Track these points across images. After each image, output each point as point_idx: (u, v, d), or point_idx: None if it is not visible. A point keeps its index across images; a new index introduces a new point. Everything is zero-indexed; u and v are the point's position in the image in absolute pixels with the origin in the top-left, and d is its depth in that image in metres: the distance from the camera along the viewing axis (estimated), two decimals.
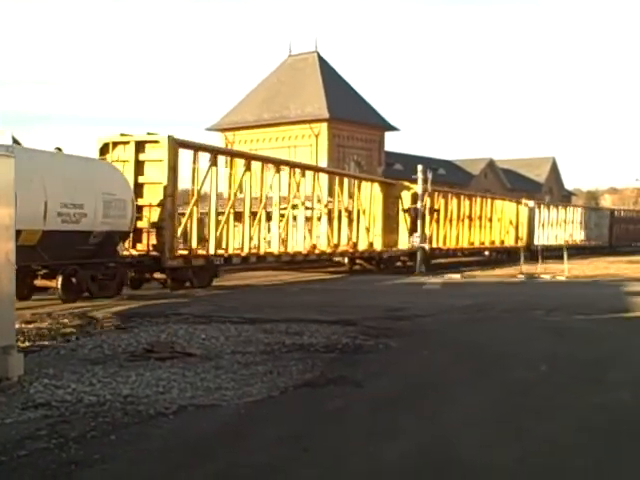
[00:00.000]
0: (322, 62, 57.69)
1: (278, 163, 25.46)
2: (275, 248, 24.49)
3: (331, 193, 29.13)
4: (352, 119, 54.88)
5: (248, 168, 22.64)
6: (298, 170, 26.14)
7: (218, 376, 8.25)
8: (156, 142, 19.00)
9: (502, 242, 41.62)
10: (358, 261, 30.68)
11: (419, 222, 30.88)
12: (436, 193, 34.23)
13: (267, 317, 13.28)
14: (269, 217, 24.83)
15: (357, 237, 29.79)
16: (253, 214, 22.84)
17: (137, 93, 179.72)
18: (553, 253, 38.39)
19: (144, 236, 18.80)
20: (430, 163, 43.42)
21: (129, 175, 18.71)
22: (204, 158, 20.77)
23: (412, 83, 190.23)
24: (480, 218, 38.80)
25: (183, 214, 20.79)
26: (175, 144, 19.06)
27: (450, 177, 62.63)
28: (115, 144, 19.37)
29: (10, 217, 8.07)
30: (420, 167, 31.39)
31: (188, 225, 20.41)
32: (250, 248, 22.52)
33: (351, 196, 29.41)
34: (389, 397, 7.56)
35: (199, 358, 9.31)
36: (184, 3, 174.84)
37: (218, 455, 5.60)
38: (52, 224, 14.98)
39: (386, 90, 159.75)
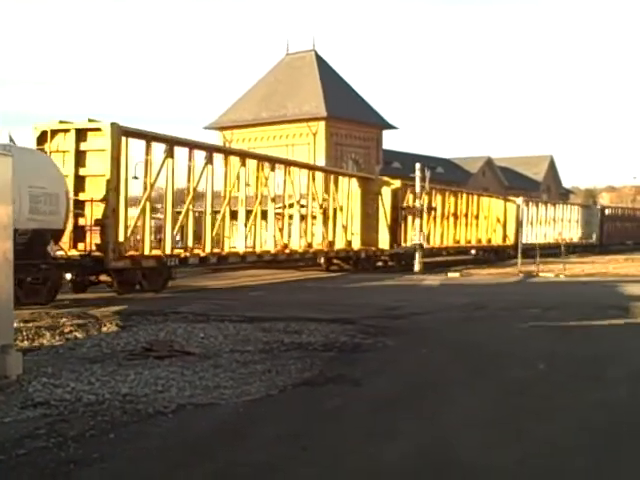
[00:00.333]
0: (320, 60, 57.67)
1: (244, 155, 23.99)
2: (241, 248, 23.00)
3: (305, 189, 27.24)
4: (350, 117, 54.87)
5: (210, 161, 20.95)
6: (267, 164, 24.52)
7: (217, 375, 8.25)
8: (98, 130, 17.25)
9: (489, 240, 40.43)
10: (335, 261, 29.29)
11: (417, 221, 30.60)
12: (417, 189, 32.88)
13: (266, 315, 13.28)
14: (234, 215, 23.12)
15: (333, 236, 28.52)
16: (216, 212, 21.56)
17: (135, 92, 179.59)
18: (542, 252, 37.90)
19: (87, 234, 17.02)
20: (428, 161, 43.48)
21: (69, 167, 17.18)
22: (159, 149, 19.11)
23: (410, 81, 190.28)
24: (466, 216, 37.44)
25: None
26: (119, 132, 17.35)
27: (448, 175, 62.68)
28: (54, 132, 17.59)
29: (8, 216, 8.10)
30: (418, 165, 31.16)
31: (139, 222, 18.88)
32: (212, 248, 21.09)
33: (327, 192, 28.14)
34: (388, 396, 7.56)
35: (198, 357, 9.31)
36: (182, 2, 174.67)
37: (217, 454, 5.61)
38: None
39: (384, 88, 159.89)
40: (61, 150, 17.45)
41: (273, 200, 24.41)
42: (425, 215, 31.84)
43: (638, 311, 14.74)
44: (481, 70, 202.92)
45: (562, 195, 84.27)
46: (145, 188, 18.72)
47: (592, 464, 5.46)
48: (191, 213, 20.48)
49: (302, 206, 26.31)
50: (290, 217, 25.91)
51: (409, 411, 6.97)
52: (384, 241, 30.32)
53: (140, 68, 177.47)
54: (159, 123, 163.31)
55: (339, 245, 28.72)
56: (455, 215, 36.18)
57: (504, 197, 43.90)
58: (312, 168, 28.75)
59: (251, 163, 23.78)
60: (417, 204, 30.72)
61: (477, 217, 38.67)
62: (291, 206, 25.94)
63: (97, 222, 16.92)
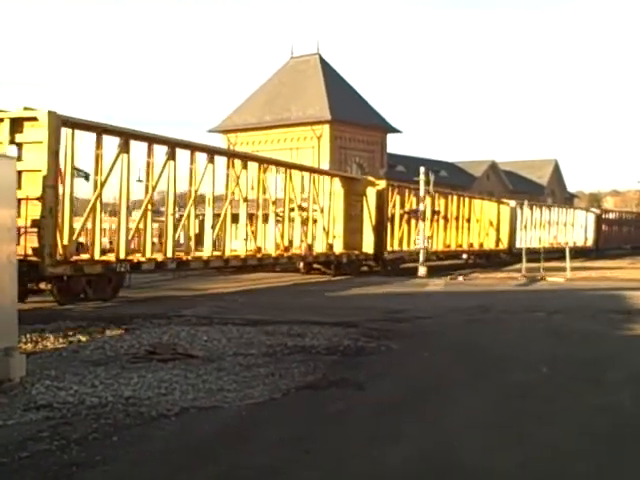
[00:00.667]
0: (324, 64, 57.73)
1: (212, 152, 21.69)
2: (208, 252, 21.22)
3: (282, 189, 25.91)
4: (354, 121, 54.89)
5: (172, 157, 19.16)
6: (239, 161, 22.69)
7: (220, 378, 8.24)
8: (35, 119, 15.47)
9: (481, 245, 38.80)
10: (315, 266, 27.58)
11: (421, 224, 30.27)
12: (407, 191, 31.96)
13: (269, 319, 13.28)
14: (201, 216, 21.93)
15: (313, 239, 26.83)
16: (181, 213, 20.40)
17: (139, 95, 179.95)
18: (536, 256, 35.61)
19: (22, 237, 14.67)
20: (432, 165, 43.40)
21: None
22: (113, 144, 17.45)
23: (414, 85, 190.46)
24: (457, 219, 35.84)
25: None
26: (59, 122, 15.63)
27: (452, 179, 62.61)
28: None
29: (12, 218, 8.13)
30: (422, 169, 30.69)
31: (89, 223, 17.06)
32: (174, 252, 19.48)
33: (307, 192, 26.65)
34: (391, 400, 7.55)
35: (201, 360, 9.31)
36: (186, 5, 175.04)
37: (220, 457, 5.60)
38: None
39: (388, 92, 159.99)
40: None
41: (245, 200, 22.90)
42: (413, 219, 30.82)
43: None
44: (486, 74, 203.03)
45: (566, 199, 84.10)
46: (95, 187, 16.89)
47: (594, 467, 5.44)
48: (150, 215, 18.83)
49: (278, 207, 24.86)
50: (265, 219, 24.49)
51: (412, 414, 6.96)
52: (368, 244, 28.91)
53: (144, 72, 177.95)
54: (163, 126, 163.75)
55: (319, 249, 27.11)
56: (445, 218, 34.71)
57: (497, 200, 42.53)
58: (289, 166, 26.95)
59: (220, 160, 21.90)
60: (421, 207, 30.45)
61: (469, 220, 37.14)
62: (285, 206, 24.72)
63: (34, 223, 15.08)
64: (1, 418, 6.45)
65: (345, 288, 22.41)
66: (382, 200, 29.38)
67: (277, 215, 25.00)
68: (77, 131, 16.42)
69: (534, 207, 44.34)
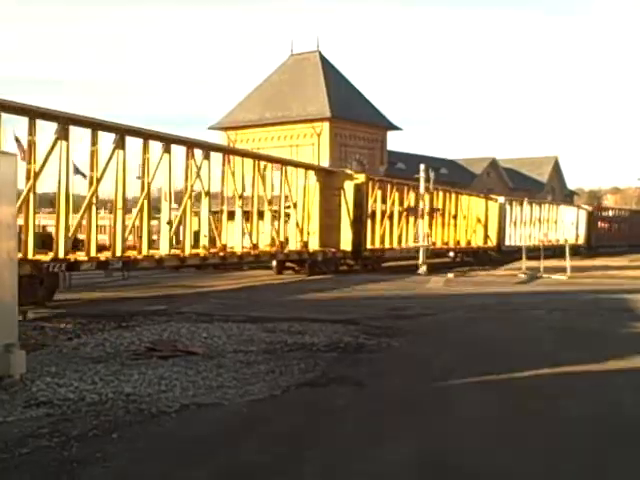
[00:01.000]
0: (324, 61, 57.73)
1: (169, 142, 19.54)
2: (165, 250, 19.56)
3: (250, 182, 23.83)
4: (354, 118, 54.92)
5: (120, 146, 17.42)
6: (199, 151, 20.83)
7: (220, 375, 8.25)
8: None
9: (469, 242, 37.20)
10: (289, 264, 26.01)
11: (420, 221, 30.12)
12: (389, 185, 30.71)
13: (269, 316, 13.29)
14: (157, 210, 20.57)
15: (285, 236, 25.35)
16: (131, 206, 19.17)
17: (139, 92, 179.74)
18: (527, 254, 34.71)
19: None
20: (433, 162, 43.31)
21: None
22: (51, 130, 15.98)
23: (415, 82, 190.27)
24: (443, 215, 34.57)
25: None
26: None
27: (452, 176, 62.66)
28: None
29: (12, 215, 8.13)
30: (422, 166, 30.57)
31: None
32: (123, 250, 17.97)
33: (279, 186, 24.96)
34: (391, 397, 7.55)
35: (201, 357, 9.31)
36: (187, 2, 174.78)
37: (220, 454, 5.60)
38: None
39: (388, 89, 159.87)
40: None
41: (207, 195, 21.19)
42: (396, 215, 29.99)
43: None
44: (486, 71, 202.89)
45: (566, 197, 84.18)
46: (28, 178, 15.29)
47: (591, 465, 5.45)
48: (95, 211, 17.51)
49: (246, 202, 23.28)
50: (232, 215, 23.24)
51: (413, 413, 6.95)
52: (346, 242, 27.32)
53: (144, 68, 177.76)
54: (162, 123, 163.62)
55: (293, 246, 25.54)
56: (431, 215, 33.13)
57: (485, 195, 41.23)
58: (257, 157, 24.88)
59: (178, 150, 19.94)
60: (420, 205, 30.32)
61: (455, 217, 35.71)
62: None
63: None
64: (1, 414, 6.45)
65: (346, 283, 22.38)
66: (361, 195, 27.89)
67: (244, 211, 23.16)
68: (4, 114, 14.86)
69: (524, 203, 42.97)
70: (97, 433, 5.94)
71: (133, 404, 6.87)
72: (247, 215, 23.49)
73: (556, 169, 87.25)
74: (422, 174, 30.43)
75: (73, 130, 16.59)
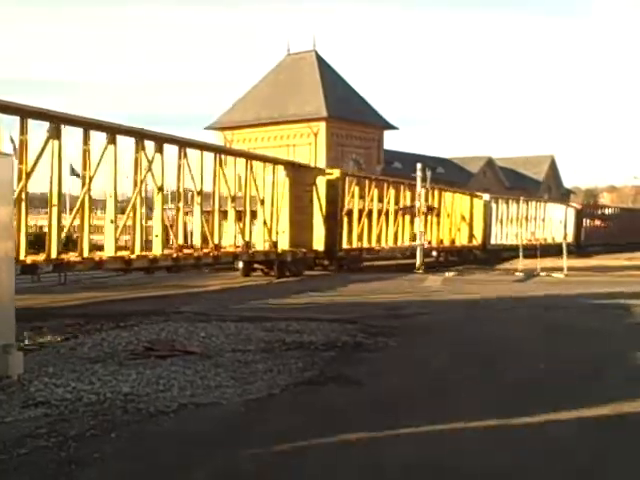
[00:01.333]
0: (320, 61, 57.80)
1: (114, 132, 17.42)
2: (110, 252, 17.70)
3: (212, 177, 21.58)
4: (351, 118, 55.00)
5: (55, 136, 15.95)
6: (151, 143, 18.80)
7: (218, 374, 8.24)
8: None
9: (452, 241, 35.85)
10: (257, 266, 24.13)
11: (416, 220, 29.87)
12: (367, 181, 29.57)
13: (267, 315, 13.28)
14: (94, 206, 18.89)
15: (251, 235, 23.57)
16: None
17: (134, 93, 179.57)
18: (513, 253, 34.54)
19: None
20: (429, 161, 43.39)
21: None
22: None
23: (411, 81, 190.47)
24: (426, 213, 32.03)
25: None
26: None
27: (449, 175, 62.80)
28: None
29: (8, 216, 8.12)
30: (419, 165, 30.26)
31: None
32: (58, 252, 16.30)
33: (244, 181, 23.10)
34: (389, 396, 7.54)
35: (199, 356, 9.30)
36: (183, 2, 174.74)
37: (218, 453, 5.59)
38: None
39: (385, 89, 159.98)
40: None
41: (161, 190, 19.26)
42: (375, 213, 28.69)
43: None
44: (482, 70, 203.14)
45: (563, 195, 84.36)
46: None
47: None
48: (56, 212, 16.33)
49: (205, 198, 21.39)
50: (187, 212, 21.67)
51: (411, 411, 6.95)
52: (319, 241, 25.65)
53: (140, 69, 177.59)
54: (159, 124, 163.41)
55: (260, 246, 23.70)
56: (413, 212, 31.54)
57: (470, 192, 39.97)
58: (219, 151, 22.60)
59: (124, 141, 18.17)
60: (417, 204, 30.11)
61: (439, 215, 34.36)
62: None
63: None
64: None
65: (340, 282, 22.34)
66: (335, 191, 26.25)
67: (203, 208, 21.30)
68: None
69: (510, 201, 42.03)
70: (95, 433, 5.92)
71: (131, 404, 6.85)
72: (208, 214, 21.74)
73: (552, 168, 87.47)
74: (419, 173, 30.24)
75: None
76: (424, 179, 30.59)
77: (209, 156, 21.47)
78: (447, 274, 26.82)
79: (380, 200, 29.78)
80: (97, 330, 11.36)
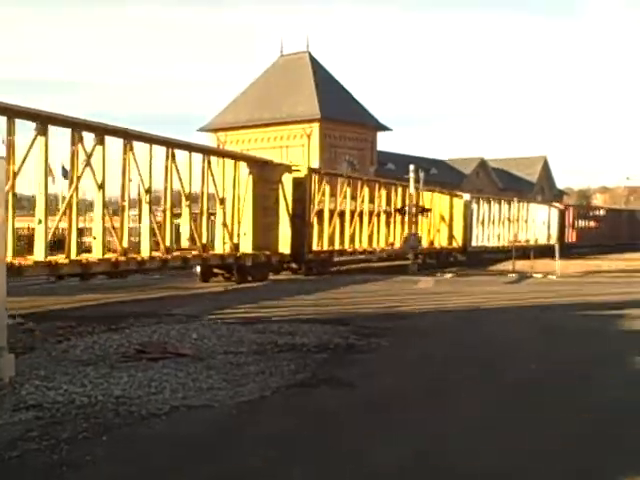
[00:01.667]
0: (314, 62, 57.84)
1: (46, 121, 15.79)
2: (40, 256, 15.73)
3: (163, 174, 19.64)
4: (344, 119, 55.02)
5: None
6: (90, 134, 17.01)
7: (210, 376, 8.22)
8: None
9: (431, 243, 34.62)
10: (217, 271, 22.22)
11: (410, 220, 29.92)
12: (339, 180, 28.14)
13: (259, 317, 13.27)
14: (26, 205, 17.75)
15: (209, 237, 21.80)
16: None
17: (128, 93, 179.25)
18: (495, 256, 34.30)
19: None
20: (422, 163, 43.39)
21: None
22: None
23: (404, 83, 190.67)
24: (402, 213, 31.44)
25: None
26: None
27: (442, 177, 62.84)
28: None
29: (1, 218, 8.09)
30: (412, 167, 30.27)
31: None
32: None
33: (202, 180, 21.14)
34: (382, 398, 7.55)
35: (191, 358, 9.28)
36: (175, 2, 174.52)
37: (210, 456, 5.59)
38: None
39: (378, 90, 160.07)
40: None
41: (101, 188, 17.30)
42: (348, 213, 27.50)
43: None
44: (474, 71, 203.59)
45: (555, 196, 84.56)
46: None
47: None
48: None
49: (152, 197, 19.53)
50: (136, 213, 20.25)
51: (403, 413, 6.96)
52: (285, 243, 23.89)
53: (133, 70, 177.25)
54: (152, 124, 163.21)
55: (219, 249, 21.90)
56: (388, 212, 30.76)
57: (449, 192, 38.06)
58: (170, 145, 19.81)
59: (60, 134, 16.57)
60: (408, 204, 30.15)
61: (416, 215, 32.07)
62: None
63: None
64: None
65: (335, 284, 22.29)
66: (303, 190, 24.42)
67: (152, 208, 19.42)
68: None
69: (492, 201, 40.62)
70: (87, 436, 5.91)
71: (123, 406, 6.84)
72: (159, 214, 20.22)
73: (545, 169, 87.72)
74: (412, 174, 30.26)
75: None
76: (417, 180, 30.61)
77: (160, 150, 19.38)
78: (439, 276, 26.84)
79: (353, 198, 28.35)
80: (89, 332, 11.34)
